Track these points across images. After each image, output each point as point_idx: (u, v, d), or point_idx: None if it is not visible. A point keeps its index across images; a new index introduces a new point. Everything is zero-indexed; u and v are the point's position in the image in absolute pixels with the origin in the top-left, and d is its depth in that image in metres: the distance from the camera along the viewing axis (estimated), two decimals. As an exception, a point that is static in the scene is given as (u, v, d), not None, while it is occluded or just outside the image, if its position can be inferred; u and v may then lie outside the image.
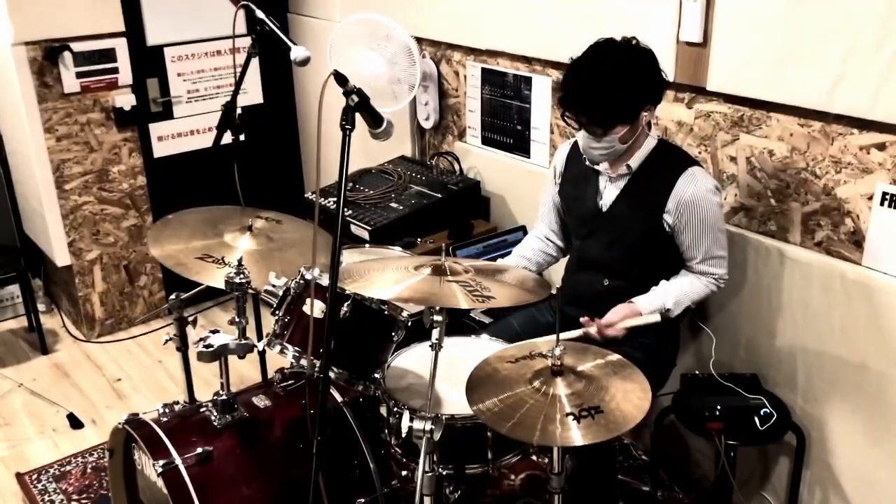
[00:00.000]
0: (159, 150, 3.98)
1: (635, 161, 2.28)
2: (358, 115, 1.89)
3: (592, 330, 2.24)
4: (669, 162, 2.28)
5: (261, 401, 2.30)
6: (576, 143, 2.44)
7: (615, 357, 1.94)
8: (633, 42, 2.18)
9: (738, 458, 2.38)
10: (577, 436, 1.67)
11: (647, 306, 2.27)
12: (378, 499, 2.21)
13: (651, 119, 2.25)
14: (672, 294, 2.28)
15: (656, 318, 2.24)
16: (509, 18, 3.06)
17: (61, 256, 3.82)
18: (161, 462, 2.04)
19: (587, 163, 2.34)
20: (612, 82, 2.12)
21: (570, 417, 1.71)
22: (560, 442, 1.69)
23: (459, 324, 2.71)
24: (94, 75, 3.65)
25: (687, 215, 2.23)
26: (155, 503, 2.24)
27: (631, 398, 1.78)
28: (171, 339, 2.54)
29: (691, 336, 2.71)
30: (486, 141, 3.41)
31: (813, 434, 2.45)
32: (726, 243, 2.32)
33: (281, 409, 2.29)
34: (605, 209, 2.35)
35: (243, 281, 2.23)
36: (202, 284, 2.33)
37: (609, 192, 2.35)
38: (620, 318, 2.25)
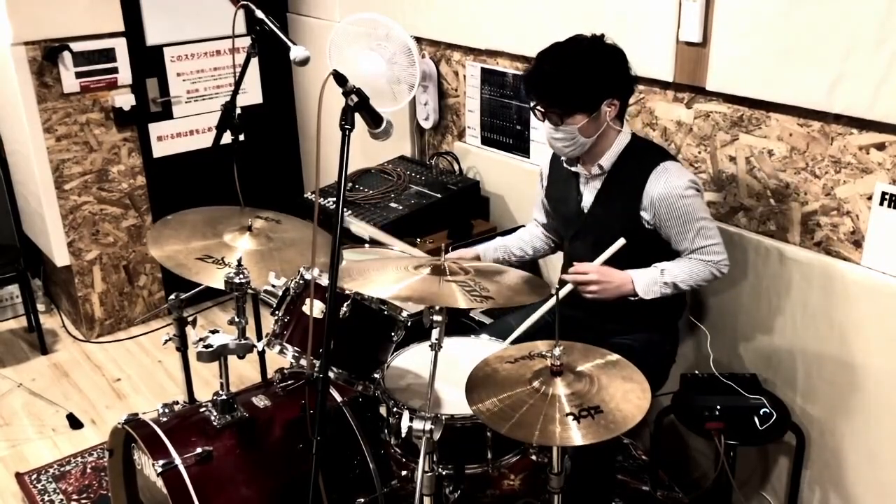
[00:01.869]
0: (159, 150, 3.98)
1: (607, 160, 2.29)
2: (357, 115, 1.89)
3: (569, 278, 2.23)
4: (641, 158, 2.28)
5: (260, 401, 2.30)
6: None
7: (615, 357, 1.94)
8: (601, 37, 2.21)
9: (738, 458, 2.38)
10: (576, 436, 1.67)
11: (640, 277, 2.24)
12: (378, 499, 2.21)
13: (616, 114, 2.24)
14: (665, 264, 2.26)
15: (621, 241, 2.20)
16: (509, 18, 3.06)
17: (61, 256, 3.82)
18: (161, 462, 2.04)
19: (565, 164, 2.35)
20: (570, 68, 2.15)
21: (570, 417, 1.71)
22: (560, 442, 1.69)
23: (459, 324, 2.71)
24: (94, 75, 3.65)
25: (663, 211, 2.23)
26: (154, 503, 2.24)
27: (630, 398, 1.78)
28: (170, 339, 2.54)
29: (690, 335, 2.71)
30: (486, 141, 3.41)
31: (813, 434, 2.45)
32: (715, 231, 2.28)
33: (280, 409, 2.29)
34: (585, 210, 2.36)
35: (243, 281, 2.23)
36: (202, 284, 2.34)
37: (588, 194, 2.36)
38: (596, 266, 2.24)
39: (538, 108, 2.24)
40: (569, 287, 2.24)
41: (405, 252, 2.70)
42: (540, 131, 3.14)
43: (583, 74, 2.16)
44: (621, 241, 2.21)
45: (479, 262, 2.43)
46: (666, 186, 2.21)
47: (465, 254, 2.51)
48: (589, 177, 2.34)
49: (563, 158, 2.36)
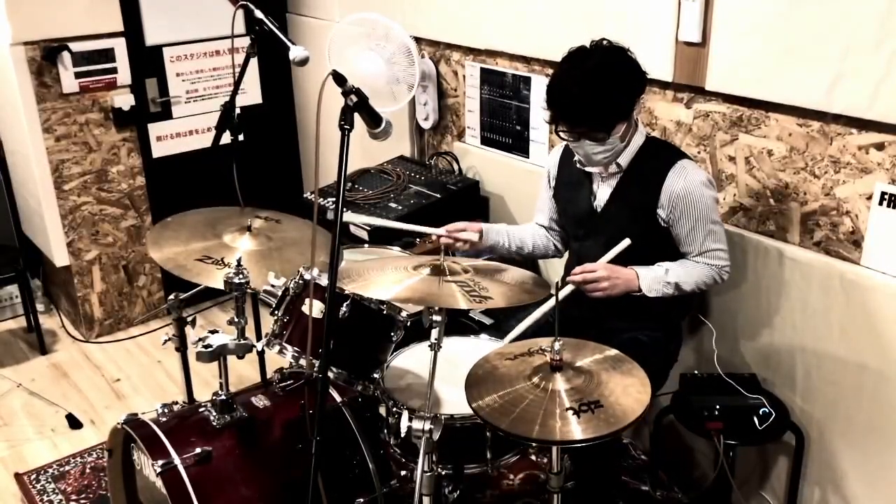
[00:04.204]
0: (158, 150, 3.98)
1: (625, 159, 2.29)
2: (357, 115, 1.89)
3: (577, 278, 2.22)
4: (659, 157, 2.29)
5: (260, 401, 2.30)
6: (567, 146, 2.44)
7: (613, 352, 1.94)
8: (605, 42, 2.19)
9: (738, 458, 2.38)
10: (577, 430, 1.67)
11: (645, 273, 2.25)
12: (377, 499, 2.21)
13: (638, 114, 2.26)
14: (668, 265, 2.27)
15: (626, 241, 2.21)
16: (508, 18, 3.06)
17: (60, 257, 3.82)
18: (160, 462, 2.04)
19: (578, 165, 2.35)
20: (602, 83, 2.13)
21: (570, 412, 1.71)
22: (560, 436, 1.69)
23: (459, 324, 2.71)
24: (93, 75, 3.65)
25: (679, 208, 2.23)
26: (154, 503, 2.24)
27: (630, 392, 1.78)
28: (170, 339, 2.54)
29: (691, 334, 2.71)
30: (485, 141, 3.41)
31: (812, 434, 2.45)
32: (723, 236, 2.31)
33: (280, 409, 2.29)
34: (599, 209, 2.36)
35: (242, 281, 2.23)
36: (201, 285, 2.33)
37: (602, 192, 2.35)
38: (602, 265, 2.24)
39: (574, 131, 2.19)
40: (570, 288, 2.24)
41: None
42: (540, 131, 3.14)
43: (616, 86, 2.14)
44: (626, 242, 2.22)
45: (477, 261, 2.42)
46: (686, 184, 2.22)
47: (471, 226, 2.48)
48: (605, 175, 2.34)
49: (576, 159, 2.36)
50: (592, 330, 2.16)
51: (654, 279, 2.25)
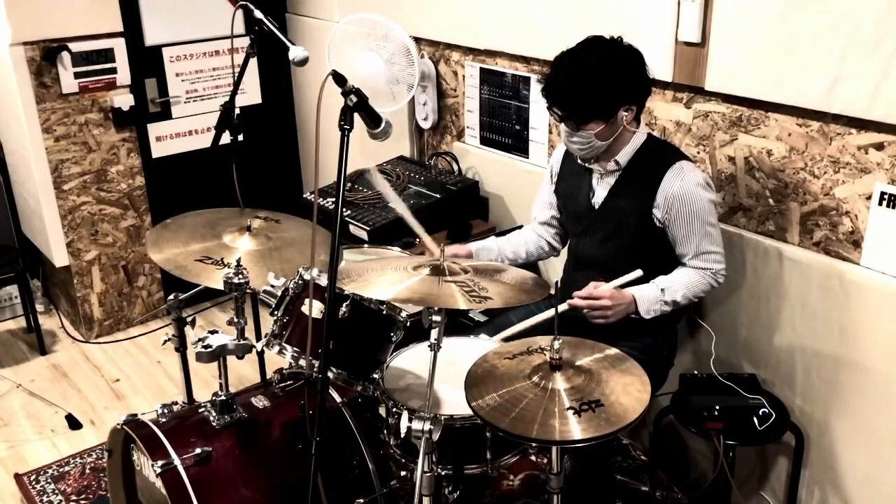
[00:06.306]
0: (158, 150, 3.98)
1: (623, 157, 2.29)
2: (356, 116, 1.89)
3: (583, 304, 2.21)
4: (658, 157, 2.29)
5: (259, 401, 2.30)
6: None
7: (613, 351, 1.94)
8: (619, 41, 2.19)
9: (737, 459, 2.38)
10: (576, 429, 1.67)
11: (642, 297, 2.25)
12: (377, 499, 2.21)
13: (633, 117, 2.24)
14: (666, 281, 2.27)
15: (638, 272, 2.22)
16: (508, 18, 3.06)
17: (60, 257, 3.81)
18: (160, 463, 2.04)
19: (579, 161, 2.35)
20: (588, 78, 2.14)
21: (570, 411, 1.71)
22: (560, 436, 1.69)
23: (456, 322, 2.71)
24: (93, 75, 3.65)
25: (675, 209, 2.23)
26: (154, 503, 2.24)
27: (630, 391, 1.78)
28: (169, 339, 2.54)
29: (690, 335, 2.71)
30: (485, 141, 3.41)
31: (812, 434, 2.45)
32: (720, 239, 2.30)
33: (280, 409, 2.29)
34: (597, 206, 2.36)
35: (242, 281, 2.23)
36: (201, 285, 2.33)
37: (600, 189, 2.36)
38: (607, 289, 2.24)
39: (555, 111, 2.24)
40: (564, 306, 2.23)
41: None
42: (539, 131, 3.15)
43: (598, 85, 2.15)
44: (638, 272, 2.23)
45: (476, 262, 2.42)
46: (682, 185, 2.22)
47: (459, 251, 2.51)
48: (603, 173, 2.34)
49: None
50: (589, 337, 2.15)
51: (652, 300, 2.25)
